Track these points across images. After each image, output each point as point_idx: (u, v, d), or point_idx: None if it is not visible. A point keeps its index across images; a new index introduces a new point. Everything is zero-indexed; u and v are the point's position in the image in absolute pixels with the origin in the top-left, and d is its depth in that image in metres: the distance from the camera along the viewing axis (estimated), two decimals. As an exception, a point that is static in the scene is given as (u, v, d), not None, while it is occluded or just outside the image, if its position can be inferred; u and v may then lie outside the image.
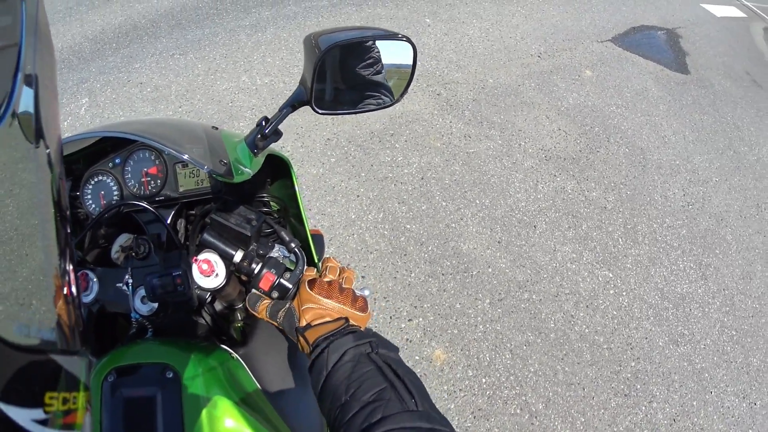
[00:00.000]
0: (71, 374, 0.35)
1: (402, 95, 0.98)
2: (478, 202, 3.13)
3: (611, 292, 3.00)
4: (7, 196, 0.31)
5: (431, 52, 4.31)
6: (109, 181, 0.93)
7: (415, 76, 0.97)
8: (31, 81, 0.35)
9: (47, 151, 0.36)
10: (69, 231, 0.38)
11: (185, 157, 0.82)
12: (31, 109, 0.34)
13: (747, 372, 3.00)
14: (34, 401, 0.31)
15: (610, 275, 3.09)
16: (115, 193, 0.93)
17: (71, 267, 0.37)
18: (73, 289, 0.38)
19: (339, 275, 0.86)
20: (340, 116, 3.25)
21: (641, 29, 6.33)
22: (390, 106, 0.99)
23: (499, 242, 2.97)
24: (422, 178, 3.10)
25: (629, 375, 2.68)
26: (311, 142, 3.11)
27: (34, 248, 0.34)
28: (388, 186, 2.98)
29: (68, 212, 0.37)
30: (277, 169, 1.14)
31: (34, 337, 0.32)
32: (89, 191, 0.93)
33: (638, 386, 2.66)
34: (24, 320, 0.31)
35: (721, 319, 3.19)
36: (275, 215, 1.13)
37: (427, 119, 3.55)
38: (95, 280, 0.86)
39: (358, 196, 2.88)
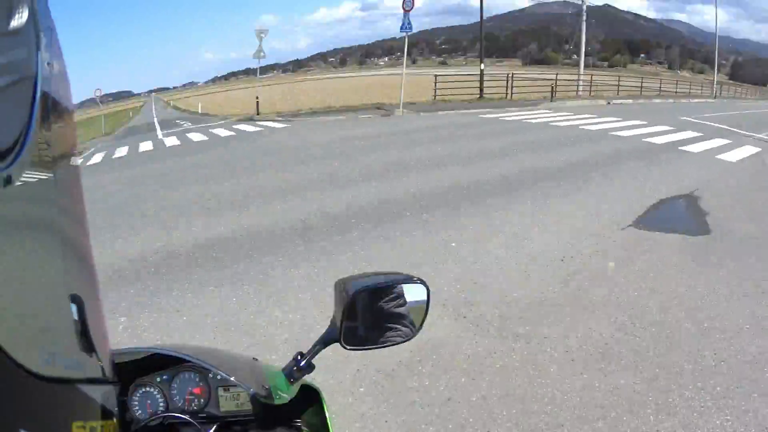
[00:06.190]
0: (98, 403, 0.35)
1: (418, 330, 1.12)
2: (505, 413, 3.40)
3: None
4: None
5: (455, 276, 4.98)
6: (155, 393, 0.99)
7: (431, 306, 1.16)
8: (77, 300, 0.37)
9: (100, 364, 0.39)
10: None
11: (232, 378, 0.93)
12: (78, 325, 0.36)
13: None
14: None
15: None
16: (161, 404, 1.00)
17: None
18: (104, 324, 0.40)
19: None
20: (367, 351, 3.80)
21: (659, 204, 6.74)
22: (409, 339, 1.12)
23: (530, 453, 3.12)
24: (449, 399, 3.49)
25: None
26: (341, 374, 3.54)
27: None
28: (416, 410, 3.39)
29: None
30: (310, 400, 1.22)
31: (59, 367, 0.32)
32: (137, 399, 0.99)
33: None
34: (49, 351, 0.32)
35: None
36: None
37: (452, 341, 4.02)
38: None
39: (386, 421, 3.21)
